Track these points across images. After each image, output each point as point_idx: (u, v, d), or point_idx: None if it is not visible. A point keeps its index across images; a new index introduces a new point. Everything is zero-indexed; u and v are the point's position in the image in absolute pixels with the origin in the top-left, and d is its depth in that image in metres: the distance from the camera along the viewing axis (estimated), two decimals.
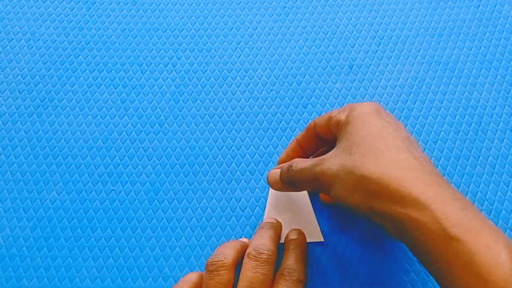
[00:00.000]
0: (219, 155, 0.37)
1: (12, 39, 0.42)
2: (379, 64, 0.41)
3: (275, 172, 0.29)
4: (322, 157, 0.25)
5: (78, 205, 0.35)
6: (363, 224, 0.34)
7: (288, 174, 0.27)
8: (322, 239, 0.31)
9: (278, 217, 0.32)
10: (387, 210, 0.21)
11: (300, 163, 0.27)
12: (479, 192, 0.35)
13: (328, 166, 0.24)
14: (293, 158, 0.30)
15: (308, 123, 0.30)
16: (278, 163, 0.33)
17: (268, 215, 0.33)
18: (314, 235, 0.32)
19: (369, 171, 0.22)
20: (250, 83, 0.40)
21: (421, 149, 0.25)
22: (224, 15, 0.43)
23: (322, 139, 0.30)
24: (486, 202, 0.35)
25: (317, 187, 0.26)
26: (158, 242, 0.34)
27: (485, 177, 0.36)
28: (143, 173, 0.36)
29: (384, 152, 0.22)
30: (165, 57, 0.41)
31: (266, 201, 0.34)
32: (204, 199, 0.35)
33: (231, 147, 0.37)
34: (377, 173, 0.22)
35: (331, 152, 0.25)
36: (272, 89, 0.40)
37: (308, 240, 0.31)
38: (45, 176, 0.36)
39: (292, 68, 0.40)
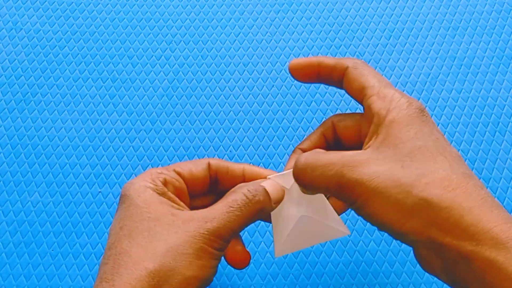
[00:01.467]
0: (216, 155, 0.36)
1: None
2: (389, 59, 0.40)
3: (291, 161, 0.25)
4: (352, 156, 0.21)
5: (62, 208, 0.34)
6: (364, 225, 0.33)
7: (302, 173, 0.22)
8: (348, 232, 0.26)
9: (289, 213, 0.26)
10: (453, 245, 0.19)
11: (319, 157, 0.21)
12: (496, 198, 0.34)
13: (368, 175, 0.20)
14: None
15: (339, 60, 0.25)
16: (290, 65, 0.26)
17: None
18: (339, 230, 0.26)
19: (437, 196, 0.19)
20: (249, 79, 0.39)
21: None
22: (222, 4, 0.42)
23: (340, 145, 0.25)
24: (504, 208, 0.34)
25: (341, 197, 0.21)
26: None
27: (503, 182, 0.35)
28: (133, 174, 0.35)
29: (451, 176, 0.19)
30: (157, 49, 0.40)
31: None
32: None
33: (229, 147, 0.36)
34: (448, 201, 0.19)
35: (367, 153, 0.21)
36: (273, 85, 0.39)
37: (333, 238, 0.26)
38: (27, 176, 0.35)
39: None
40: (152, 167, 0.36)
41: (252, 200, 0.22)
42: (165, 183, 0.23)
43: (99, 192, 0.35)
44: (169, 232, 0.20)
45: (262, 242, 0.33)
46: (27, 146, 0.36)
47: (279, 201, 0.24)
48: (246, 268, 0.32)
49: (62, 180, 0.35)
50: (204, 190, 0.25)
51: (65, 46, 0.40)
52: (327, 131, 0.25)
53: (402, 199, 0.19)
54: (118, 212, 0.22)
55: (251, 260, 0.27)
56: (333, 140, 0.26)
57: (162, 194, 0.22)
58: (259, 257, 0.33)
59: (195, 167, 0.24)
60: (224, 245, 0.21)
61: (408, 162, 0.20)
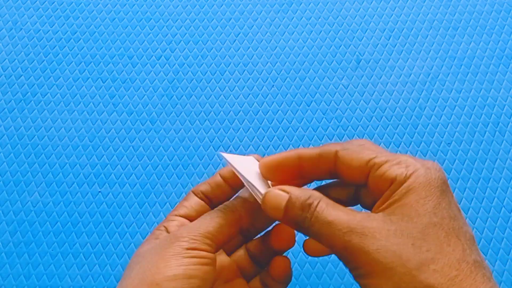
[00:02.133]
0: (215, 156, 0.36)
1: None
2: (389, 59, 0.40)
3: (280, 197, 0.21)
4: (362, 221, 0.19)
5: (62, 208, 0.34)
6: None
7: (303, 216, 0.20)
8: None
9: None
10: None
11: (329, 211, 0.20)
12: (496, 198, 0.35)
13: (376, 246, 0.18)
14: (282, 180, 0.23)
15: (321, 147, 0.22)
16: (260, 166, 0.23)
17: None
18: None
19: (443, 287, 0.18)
20: (249, 79, 0.39)
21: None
22: (222, 4, 0.43)
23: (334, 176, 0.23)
24: (503, 209, 0.34)
25: (342, 259, 0.20)
26: None
27: (502, 182, 0.35)
28: (133, 174, 0.36)
29: (461, 265, 0.18)
30: (157, 49, 0.41)
31: None
32: None
33: (229, 147, 0.37)
34: None
35: (378, 219, 0.19)
36: (273, 85, 0.39)
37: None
38: (27, 176, 0.35)
39: (295, 62, 0.40)
40: (152, 167, 0.36)
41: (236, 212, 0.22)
42: (167, 230, 0.23)
43: (99, 192, 0.35)
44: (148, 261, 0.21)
45: None
46: (27, 146, 0.37)
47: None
48: None
49: (62, 180, 0.35)
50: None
51: (65, 46, 0.41)
52: (325, 160, 0.22)
53: (406, 281, 0.18)
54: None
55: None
56: (329, 172, 0.23)
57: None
58: None
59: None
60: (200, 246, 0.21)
61: (420, 241, 0.18)
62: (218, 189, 0.25)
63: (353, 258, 0.19)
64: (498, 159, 0.36)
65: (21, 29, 0.42)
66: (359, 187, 0.24)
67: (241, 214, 0.22)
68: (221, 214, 0.22)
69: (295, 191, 0.21)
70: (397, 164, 0.20)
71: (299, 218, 0.21)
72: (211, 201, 0.25)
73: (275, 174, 0.23)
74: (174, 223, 0.23)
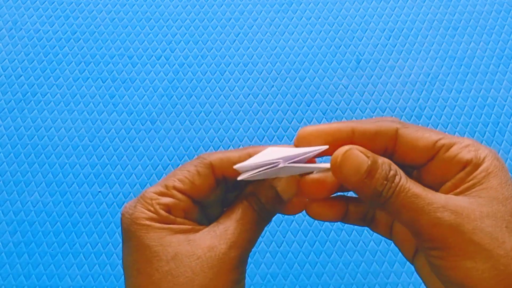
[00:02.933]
0: None
1: None
2: (389, 59, 0.40)
3: (362, 158, 0.18)
4: (455, 201, 0.18)
5: (62, 208, 0.35)
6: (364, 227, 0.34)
7: (386, 186, 0.18)
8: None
9: None
10: None
11: (413, 184, 0.18)
12: None
13: (473, 227, 0.18)
14: (336, 142, 0.20)
15: (378, 122, 0.20)
16: (298, 139, 0.21)
17: None
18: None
19: None
20: (249, 79, 0.40)
21: None
22: (222, 4, 0.43)
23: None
24: None
25: (422, 237, 0.19)
26: None
27: None
28: (133, 174, 0.36)
29: None
30: (157, 49, 0.41)
31: None
32: None
33: (228, 147, 0.37)
34: None
35: (465, 201, 0.18)
36: (273, 85, 0.39)
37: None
38: (27, 176, 0.36)
39: (295, 62, 0.40)
40: (152, 167, 0.36)
41: (260, 208, 0.20)
42: (168, 210, 0.20)
43: (99, 192, 0.35)
44: (193, 270, 0.18)
45: (262, 242, 0.34)
46: (27, 146, 0.37)
47: (292, 196, 0.21)
48: (246, 267, 0.33)
49: (61, 180, 0.36)
50: (216, 198, 0.23)
51: (64, 46, 0.41)
52: (383, 137, 0.20)
53: (504, 263, 0.17)
54: (127, 251, 0.20)
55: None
56: (385, 150, 0.20)
57: (171, 223, 0.20)
58: (259, 257, 0.33)
59: (198, 176, 0.21)
60: (244, 266, 0.19)
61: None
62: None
63: (444, 237, 0.18)
64: None
65: (21, 29, 0.42)
66: (416, 169, 0.21)
67: (273, 213, 0.21)
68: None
69: (376, 156, 0.19)
70: (466, 147, 0.19)
71: (380, 187, 0.18)
72: (227, 181, 0.22)
73: (324, 141, 0.20)
74: (180, 205, 0.21)
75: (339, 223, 0.34)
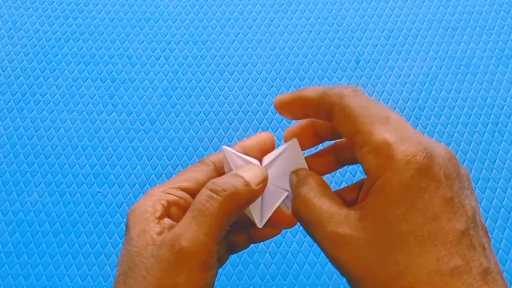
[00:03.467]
0: None
1: None
2: (388, 59, 0.40)
3: (293, 179, 0.21)
4: (339, 228, 0.18)
5: (61, 208, 0.35)
6: None
7: (293, 200, 0.20)
8: None
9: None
10: None
11: (314, 200, 0.19)
12: (495, 199, 0.35)
13: (348, 260, 0.18)
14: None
15: (324, 91, 0.20)
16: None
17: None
18: None
19: None
20: (248, 79, 0.40)
21: (487, 246, 0.18)
22: (222, 4, 0.43)
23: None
24: (503, 209, 0.35)
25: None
26: None
27: (502, 183, 0.35)
28: (132, 174, 0.36)
29: (433, 278, 0.17)
30: (157, 49, 0.41)
31: None
32: None
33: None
34: None
35: (353, 228, 0.18)
36: (272, 85, 0.39)
37: None
38: (26, 176, 0.36)
39: (294, 62, 0.40)
40: (151, 167, 0.36)
41: (217, 191, 0.19)
42: (167, 205, 0.21)
43: (98, 192, 0.35)
44: (147, 268, 0.18)
45: (261, 243, 0.34)
46: (26, 146, 0.37)
47: (261, 182, 0.21)
48: (246, 268, 0.33)
49: (61, 180, 0.36)
50: None
51: (64, 46, 0.41)
52: (324, 108, 0.21)
53: None
54: (123, 245, 0.21)
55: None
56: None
57: (158, 219, 0.20)
58: (259, 257, 0.33)
59: (201, 175, 0.22)
60: (208, 261, 0.19)
61: (388, 253, 0.17)
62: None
63: (334, 265, 0.19)
64: (497, 160, 0.36)
65: (21, 29, 0.42)
66: None
67: (236, 191, 0.20)
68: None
69: (302, 171, 0.21)
70: (376, 152, 0.18)
71: (293, 208, 0.20)
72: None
73: (286, 110, 0.22)
74: (180, 202, 0.21)
75: None
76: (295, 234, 0.34)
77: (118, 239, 0.34)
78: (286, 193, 0.22)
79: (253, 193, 0.20)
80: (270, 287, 0.32)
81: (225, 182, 0.19)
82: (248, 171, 0.21)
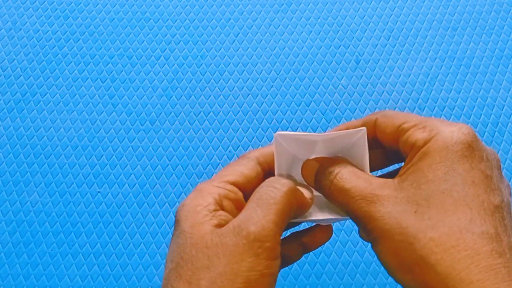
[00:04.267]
0: (215, 156, 0.37)
1: None
2: (388, 59, 0.40)
3: (313, 165, 0.22)
4: (375, 188, 0.19)
5: (61, 208, 0.35)
6: None
7: (324, 184, 0.21)
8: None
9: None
10: None
11: (348, 179, 0.20)
12: None
13: (380, 213, 0.18)
14: None
15: (366, 116, 0.23)
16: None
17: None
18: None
19: (436, 258, 0.17)
20: (248, 79, 0.40)
21: None
22: (222, 4, 0.43)
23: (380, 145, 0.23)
24: None
25: (359, 226, 0.20)
26: (147, 249, 0.34)
27: None
28: (132, 174, 0.36)
29: (464, 235, 0.17)
30: (157, 49, 0.41)
31: None
32: None
33: (228, 147, 0.37)
34: (446, 267, 0.17)
35: (391, 187, 0.19)
36: (272, 86, 0.39)
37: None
38: (26, 176, 0.36)
39: (294, 62, 0.40)
40: (151, 167, 0.36)
41: (276, 186, 0.20)
42: (219, 199, 0.21)
43: (98, 192, 0.35)
44: (210, 256, 0.18)
45: None
46: (26, 146, 0.37)
47: (310, 198, 0.22)
48: None
49: (61, 180, 0.36)
50: None
51: (64, 46, 0.41)
52: (368, 129, 0.22)
53: (402, 250, 0.18)
54: (171, 242, 0.20)
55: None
56: (373, 139, 0.23)
57: (214, 212, 0.20)
58: None
59: (247, 169, 0.22)
60: (275, 247, 0.19)
61: (424, 208, 0.18)
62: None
63: (362, 224, 0.19)
64: None
65: (21, 29, 0.42)
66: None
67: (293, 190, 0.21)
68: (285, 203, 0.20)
69: (326, 160, 0.22)
70: (422, 128, 0.20)
71: (322, 185, 0.21)
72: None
73: None
74: (231, 196, 0.21)
75: (338, 223, 0.34)
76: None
77: (118, 239, 0.34)
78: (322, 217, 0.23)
79: (306, 203, 0.22)
80: None
81: (282, 180, 0.20)
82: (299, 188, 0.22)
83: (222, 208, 0.21)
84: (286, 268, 0.33)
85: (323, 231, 0.24)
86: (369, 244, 0.34)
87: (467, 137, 0.19)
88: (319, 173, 0.22)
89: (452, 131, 0.19)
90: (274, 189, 0.20)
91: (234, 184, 0.22)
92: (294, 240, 0.24)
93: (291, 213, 0.20)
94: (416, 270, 0.17)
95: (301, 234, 0.24)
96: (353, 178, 0.20)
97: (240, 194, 0.22)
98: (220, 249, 0.18)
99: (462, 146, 0.18)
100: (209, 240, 0.19)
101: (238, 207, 0.21)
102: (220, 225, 0.19)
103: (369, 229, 0.19)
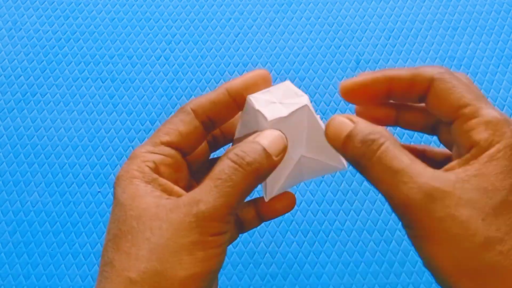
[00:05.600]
0: (215, 156, 0.37)
1: None
2: (389, 60, 0.40)
3: (344, 124, 0.19)
4: (435, 181, 0.17)
5: (62, 208, 0.35)
6: (363, 224, 0.34)
7: (362, 152, 0.18)
8: (346, 167, 0.22)
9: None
10: None
11: (395, 155, 0.18)
12: None
13: (445, 214, 0.17)
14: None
15: (419, 68, 0.20)
16: (345, 86, 0.21)
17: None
18: (337, 166, 0.22)
19: (506, 272, 0.17)
20: None
21: None
22: (222, 4, 0.43)
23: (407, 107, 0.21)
24: None
25: (397, 211, 0.18)
26: None
27: None
28: None
29: None
30: (157, 49, 0.41)
31: None
32: None
33: (228, 147, 0.37)
34: None
35: (453, 187, 0.17)
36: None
37: (328, 173, 0.22)
38: (26, 176, 0.36)
39: (294, 62, 0.40)
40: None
41: (242, 165, 0.18)
42: (155, 167, 0.20)
43: (98, 192, 0.35)
44: (152, 229, 0.18)
45: (262, 243, 0.34)
46: (26, 146, 0.37)
47: (281, 153, 0.20)
48: (246, 268, 0.33)
49: (61, 180, 0.36)
50: (204, 157, 0.22)
51: (64, 46, 0.41)
52: (418, 86, 0.20)
53: (468, 256, 0.17)
54: (110, 215, 0.20)
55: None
56: (420, 98, 0.20)
57: (151, 181, 0.19)
58: (259, 257, 0.33)
59: (182, 124, 0.20)
60: (223, 226, 0.18)
61: (491, 218, 0.17)
62: (223, 109, 0.21)
63: (414, 218, 0.17)
64: None
65: (21, 29, 0.42)
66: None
67: (259, 165, 0.19)
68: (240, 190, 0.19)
69: (362, 122, 0.19)
70: (485, 124, 0.18)
71: (357, 153, 0.19)
72: (213, 123, 0.21)
73: (359, 97, 0.21)
74: (166, 161, 0.20)
75: (338, 223, 0.34)
76: (295, 234, 0.34)
77: None
78: (295, 161, 0.21)
79: (274, 165, 0.19)
80: (270, 287, 0.33)
81: (248, 152, 0.19)
82: (267, 138, 0.19)
83: (159, 174, 0.20)
84: (287, 268, 0.33)
85: (283, 199, 0.22)
86: (369, 243, 0.34)
87: None
88: (352, 136, 0.19)
89: None
90: (235, 171, 0.18)
91: (170, 144, 0.20)
92: (250, 205, 0.23)
93: (249, 192, 0.19)
94: (481, 279, 0.17)
95: (257, 202, 0.23)
96: (401, 156, 0.18)
97: (177, 156, 0.21)
98: (164, 223, 0.18)
99: None
100: (153, 214, 0.18)
101: (176, 170, 0.20)
102: (160, 197, 0.19)
103: (422, 226, 0.17)
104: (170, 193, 0.19)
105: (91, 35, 0.42)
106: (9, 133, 0.37)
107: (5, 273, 0.33)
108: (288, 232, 0.34)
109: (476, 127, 0.18)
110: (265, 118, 0.20)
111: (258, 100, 0.20)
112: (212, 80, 0.40)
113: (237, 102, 0.21)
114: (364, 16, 0.43)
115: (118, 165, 0.36)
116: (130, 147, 0.37)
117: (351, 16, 0.43)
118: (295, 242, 0.34)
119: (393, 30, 0.42)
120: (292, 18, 0.43)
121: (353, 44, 0.41)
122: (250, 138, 0.20)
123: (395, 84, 0.20)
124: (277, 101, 0.20)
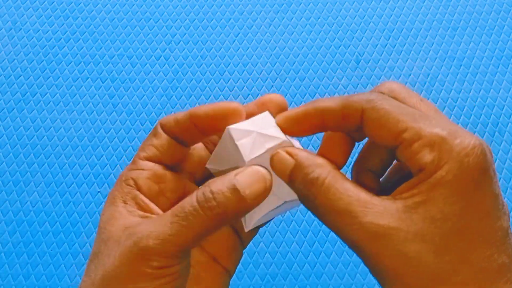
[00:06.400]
0: None
1: None
2: (389, 59, 0.40)
3: (284, 161, 0.19)
4: (379, 218, 0.17)
5: (61, 208, 0.35)
6: None
7: (306, 194, 0.18)
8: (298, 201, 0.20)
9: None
10: None
11: (338, 193, 0.17)
12: None
13: (391, 252, 0.16)
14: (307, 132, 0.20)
15: (346, 99, 0.19)
16: (282, 121, 0.20)
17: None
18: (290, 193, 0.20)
19: None
20: (249, 79, 0.40)
21: None
22: (222, 4, 0.43)
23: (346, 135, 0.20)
24: None
25: (358, 253, 0.18)
26: None
27: (502, 183, 0.36)
28: None
29: (485, 275, 0.16)
30: (157, 49, 0.41)
31: None
32: None
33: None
34: None
35: (397, 213, 0.17)
36: (272, 85, 0.40)
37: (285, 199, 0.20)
38: (26, 176, 0.36)
39: (294, 62, 0.40)
40: None
41: (203, 208, 0.17)
42: (134, 182, 0.20)
43: (98, 192, 0.35)
44: (109, 255, 0.17)
45: (262, 243, 0.34)
46: (26, 146, 0.37)
47: (259, 196, 0.18)
48: (246, 268, 0.33)
49: (61, 180, 0.36)
50: (184, 169, 0.22)
51: (64, 46, 0.41)
52: (350, 118, 0.19)
53: None
54: None
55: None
56: (357, 129, 0.19)
57: (130, 200, 0.19)
58: (259, 257, 0.34)
59: (155, 138, 0.21)
60: (171, 261, 0.17)
61: (442, 249, 0.16)
62: (187, 132, 0.20)
63: (365, 260, 0.17)
64: (497, 160, 0.37)
65: (21, 29, 0.42)
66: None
67: (226, 209, 0.17)
68: (197, 216, 0.17)
69: (301, 156, 0.18)
70: (429, 146, 0.17)
71: (301, 195, 0.18)
72: (182, 141, 0.21)
73: (295, 131, 0.20)
74: (144, 174, 0.20)
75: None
76: (295, 234, 0.34)
77: None
78: (281, 202, 0.19)
79: (247, 208, 0.18)
80: (270, 287, 0.33)
81: (215, 195, 0.17)
82: (245, 178, 0.18)
83: (139, 189, 0.20)
84: (286, 268, 0.33)
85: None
86: None
87: (480, 157, 0.16)
88: (294, 176, 0.18)
89: (467, 155, 0.16)
90: (197, 212, 0.17)
91: (148, 159, 0.20)
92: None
93: (212, 232, 0.18)
94: None
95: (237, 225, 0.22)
96: (346, 194, 0.17)
97: (156, 168, 0.20)
98: (119, 249, 0.17)
99: (477, 173, 0.16)
100: (117, 238, 0.18)
101: (157, 181, 0.20)
102: (132, 218, 0.18)
103: (373, 267, 0.17)
104: (146, 210, 0.19)
105: (91, 35, 0.42)
106: (9, 133, 0.38)
107: (5, 273, 0.33)
108: (288, 232, 0.34)
109: (420, 151, 0.17)
110: (244, 155, 0.18)
111: (238, 133, 0.19)
112: (212, 80, 0.40)
113: (199, 128, 0.20)
114: (364, 16, 0.43)
115: (118, 165, 0.36)
116: (130, 147, 0.37)
117: (351, 16, 0.43)
118: (295, 242, 0.34)
119: (393, 30, 0.42)
120: (292, 18, 0.43)
121: (353, 44, 0.41)
122: (228, 175, 0.18)
123: (328, 117, 0.19)
124: (255, 132, 0.19)
